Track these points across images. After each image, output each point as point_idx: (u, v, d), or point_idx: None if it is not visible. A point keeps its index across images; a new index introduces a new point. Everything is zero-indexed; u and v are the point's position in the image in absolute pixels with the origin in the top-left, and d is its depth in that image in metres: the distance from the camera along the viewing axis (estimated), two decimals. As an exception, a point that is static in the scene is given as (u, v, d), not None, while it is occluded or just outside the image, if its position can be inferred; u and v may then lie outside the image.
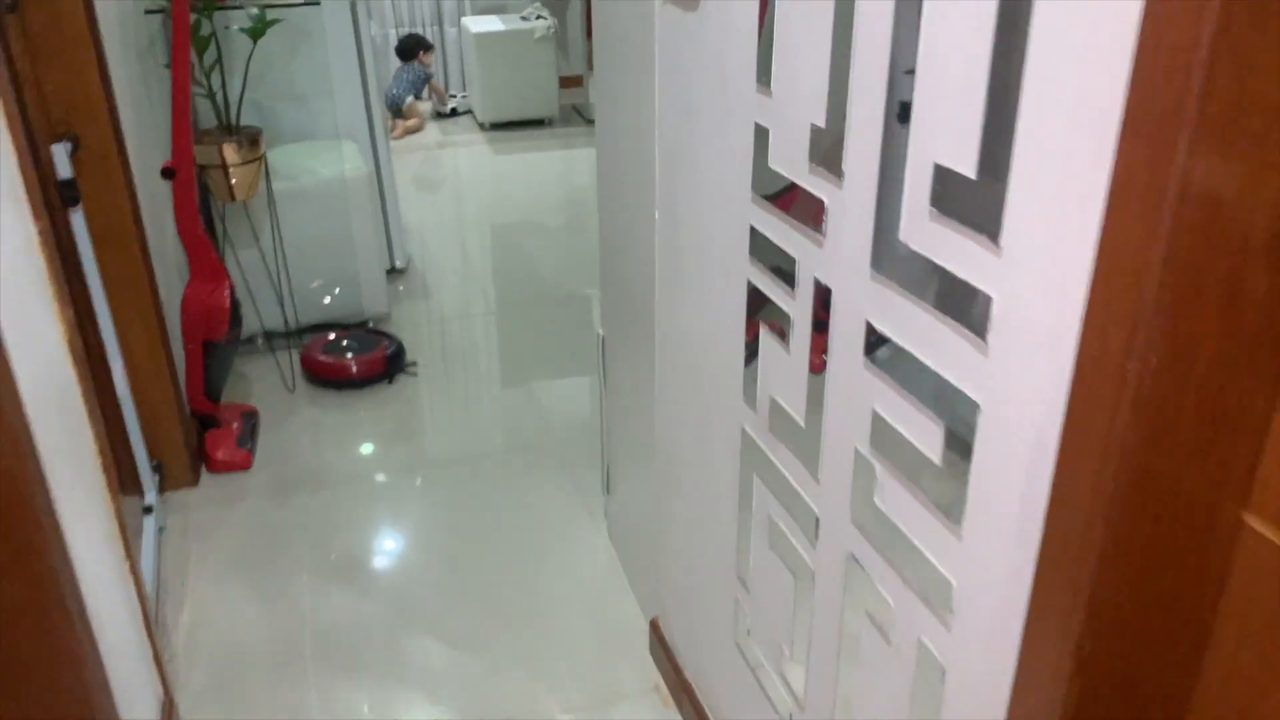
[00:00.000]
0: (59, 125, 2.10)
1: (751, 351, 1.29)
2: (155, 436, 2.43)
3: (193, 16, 2.57)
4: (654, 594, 1.95)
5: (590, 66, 6.60)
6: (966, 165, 0.81)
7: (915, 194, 0.88)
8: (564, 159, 5.41)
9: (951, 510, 0.90)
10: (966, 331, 0.84)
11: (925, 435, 0.92)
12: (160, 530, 2.35)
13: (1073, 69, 0.68)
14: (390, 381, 3.01)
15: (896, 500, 1.00)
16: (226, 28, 2.82)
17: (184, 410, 2.49)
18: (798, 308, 1.14)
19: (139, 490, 2.37)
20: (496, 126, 5.90)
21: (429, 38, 6.45)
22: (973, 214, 0.82)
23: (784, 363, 1.20)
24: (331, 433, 2.77)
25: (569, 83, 6.30)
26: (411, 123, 6.00)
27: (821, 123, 1.02)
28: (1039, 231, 0.74)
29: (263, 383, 3.01)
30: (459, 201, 4.84)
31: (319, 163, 3.14)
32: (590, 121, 6.01)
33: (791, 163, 1.10)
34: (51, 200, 2.01)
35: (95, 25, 2.08)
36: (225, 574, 2.22)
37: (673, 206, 1.51)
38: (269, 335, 3.21)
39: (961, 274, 0.84)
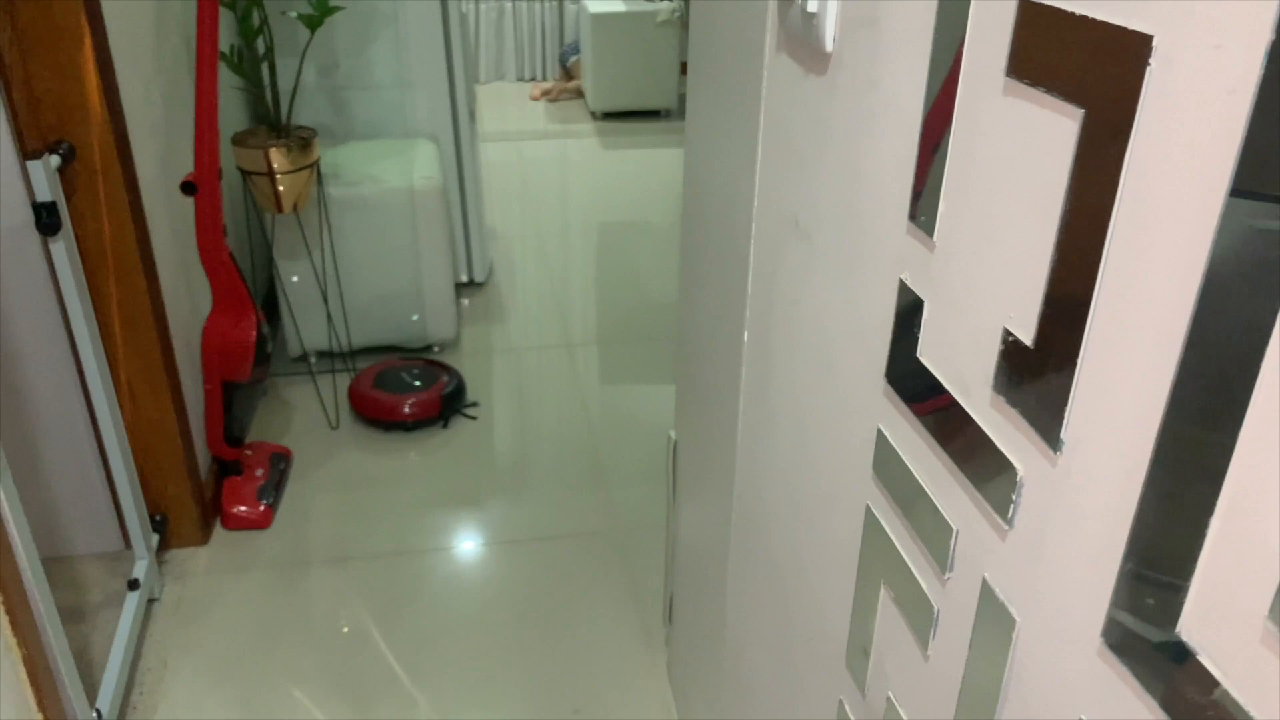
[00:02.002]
0: (50, 133, 1.76)
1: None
2: (159, 489, 2.11)
3: (241, 1, 2.21)
4: (710, 792, 1.51)
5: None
6: None
7: (1234, 593, 0.41)
8: (679, 158, 4.94)
9: None
10: None
11: None
12: (152, 601, 2.03)
13: None
14: (445, 425, 2.63)
15: None
16: (283, 14, 2.46)
17: (194, 459, 2.16)
18: (947, 600, 0.69)
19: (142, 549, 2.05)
20: (609, 116, 5.48)
21: (546, 15, 6.07)
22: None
23: (915, 664, 0.74)
24: (369, 487, 2.41)
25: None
26: (550, 87, 5.83)
27: (1028, 337, 0.56)
28: None
29: (305, 414, 2.67)
30: (557, 202, 4.43)
31: (386, 168, 2.77)
32: (710, 116, 5.53)
33: (958, 374, 0.64)
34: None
35: (96, 12, 1.73)
36: (213, 673, 1.87)
37: (765, 343, 1.05)
38: (320, 356, 2.88)
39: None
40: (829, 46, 0.82)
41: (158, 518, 2.11)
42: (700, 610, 1.53)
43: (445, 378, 2.68)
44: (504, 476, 2.46)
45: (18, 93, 1.71)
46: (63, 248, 1.70)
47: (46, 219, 1.66)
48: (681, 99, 5.58)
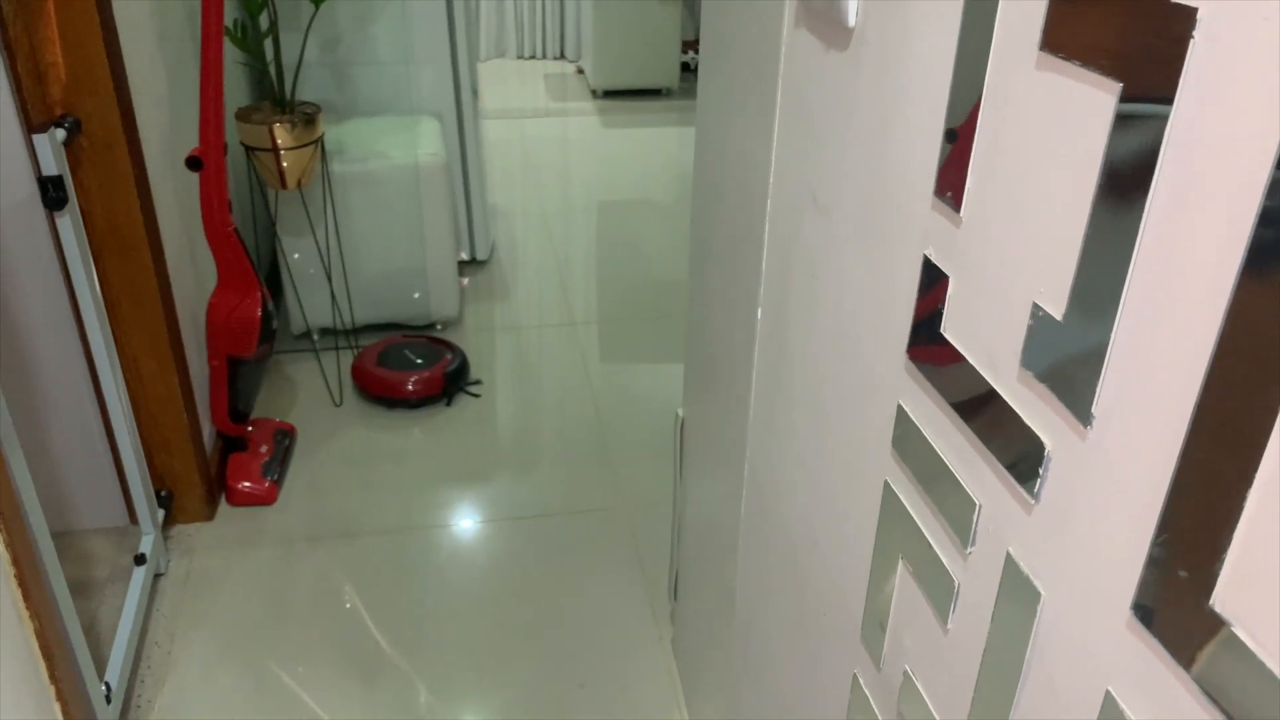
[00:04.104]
0: (55, 106, 1.75)
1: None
2: (166, 464, 2.11)
3: (243, -26, 2.20)
4: (717, 766, 1.53)
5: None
6: None
7: (1272, 565, 0.42)
8: (681, 137, 4.92)
9: None
10: None
11: None
12: (158, 576, 2.04)
13: None
14: (448, 403, 2.64)
15: None
16: (287, -13, 2.44)
17: (200, 435, 2.16)
18: (968, 574, 0.69)
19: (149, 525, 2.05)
20: (610, 94, 5.46)
21: (547, -8, 6.03)
22: None
23: (934, 638, 0.75)
24: (373, 464, 2.41)
25: (694, 44, 5.81)
26: None
27: (1058, 312, 0.56)
28: None
29: (308, 391, 2.67)
30: (558, 180, 4.42)
31: (391, 144, 2.76)
32: (712, 95, 5.50)
33: (986, 350, 0.64)
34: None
35: (103, -15, 1.72)
36: (220, 647, 1.88)
37: (781, 319, 1.06)
38: (323, 333, 2.88)
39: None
40: (851, 21, 0.81)
41: (163, 493, 2.12)
42: (708, 586, 1.54)
43: (449, 355, 2.68)
44: (508, 454, 2.47)
45: (23, 65, 1.70)
46: (69, 222, 1.69)
47: (53, 193, 1.66)
48: (682, 77, 5.56)
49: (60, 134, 1.68)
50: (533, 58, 6.23)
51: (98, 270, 1.83)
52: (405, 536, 2.18)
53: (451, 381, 2.64)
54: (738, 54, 1.15)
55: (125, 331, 1.94)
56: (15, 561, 1.20)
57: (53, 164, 1.63)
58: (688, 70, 5.66)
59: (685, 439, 1.66)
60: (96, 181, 1.81)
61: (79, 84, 1.73)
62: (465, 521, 2.24)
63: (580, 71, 5.88)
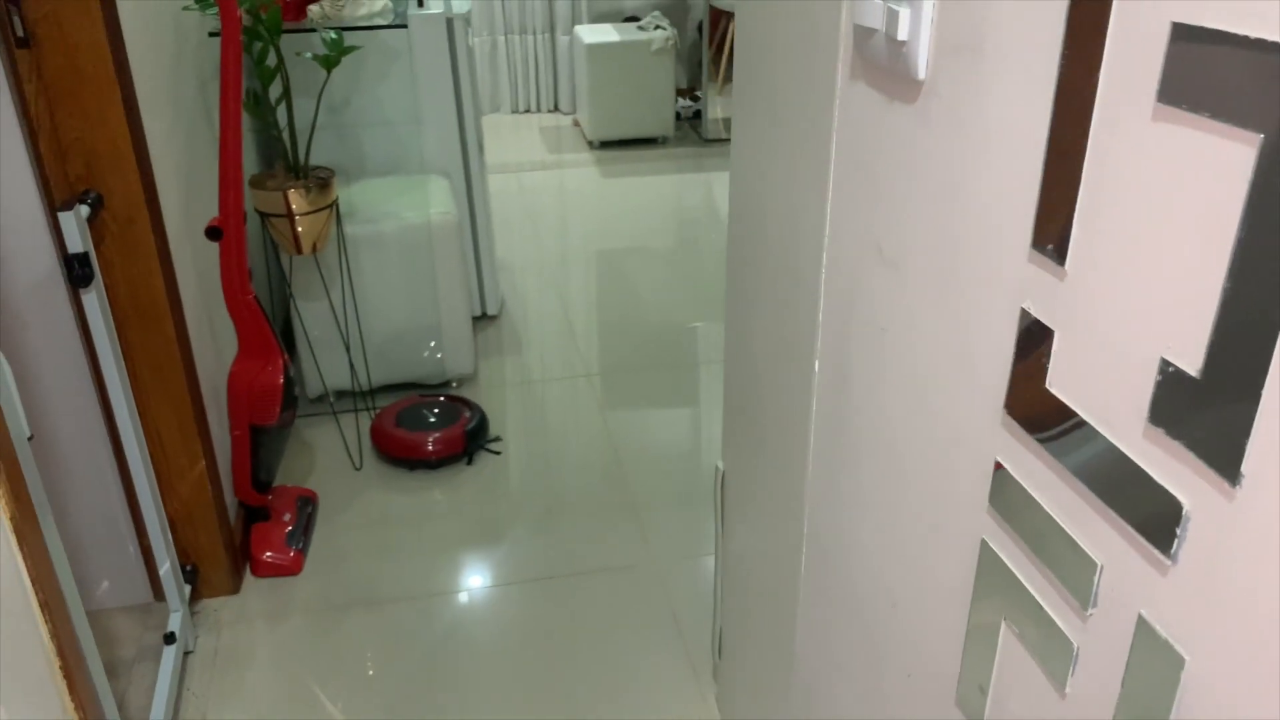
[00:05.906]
0: (78, 182, 1.74)
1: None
2: (190, 538, 2.07)
3: (256, 44, 2.20)
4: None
5: (713, 77, 6.14)
6: None
7: None
8: (678, 184, 4.94)
9: None
10: None
11: None
12: (187, 654, 1.99)
13: None
14: (469, 462, 2.61)
15: None
16: (297, 54, 2.45)
17: (224, 507, 2.12)
18: (1089, 637, 0.67)
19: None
20: (606, 145, 5.48)
21: (540, 47, 6.09)
22: None
23: (1049, 702, 0.72)
24: (396, 527, 2.38)
25: (686, 92, 5.86)
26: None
27: (1193, 368, 0.54)
28: None
29: (327, 455, 2.64)
30: (561, 232, 4.42)
31: (402, 205, 2.75)
32: (709, 141, 5.55)
33: (1103, 406, 0.62)
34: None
35: (122, 59, 1.71)
36: (253, 724, 1.84)
37: (842, 373, 1.04)
38: (339, 395, 2.85)
39: None
40: (921, 75, 0.81)
41: (188, 567, 2.08)
42: (760, 643, 1.51)
43: (467, 413, 2.66)
44: (534, 512, 2.43)
45: (45, 143, 1.69)
46: (94, 298, 1.68)
47: (79, 270, 1.64)
48: (677, 126, 5.59)
49: (84, 210, 1.66)
50: (527, 111, 6.27)
51: (120, 344, 1.81)
52: (432, 602, 2.14)
53: (471, 440, 2.61)
54: (782, 105, 1.15)
55: (148, 404, 1.92)
56: (60, 653, 1.17)
57: (79, 241, 1.62)
58: (681, 119, 5.71)
59: (726, 493, 1.63)
60: (119, 255, 1.80)
61: (101, 160, 1.73)
62: (494, 584, 2.20)
63: (576, 124, 5.92)
